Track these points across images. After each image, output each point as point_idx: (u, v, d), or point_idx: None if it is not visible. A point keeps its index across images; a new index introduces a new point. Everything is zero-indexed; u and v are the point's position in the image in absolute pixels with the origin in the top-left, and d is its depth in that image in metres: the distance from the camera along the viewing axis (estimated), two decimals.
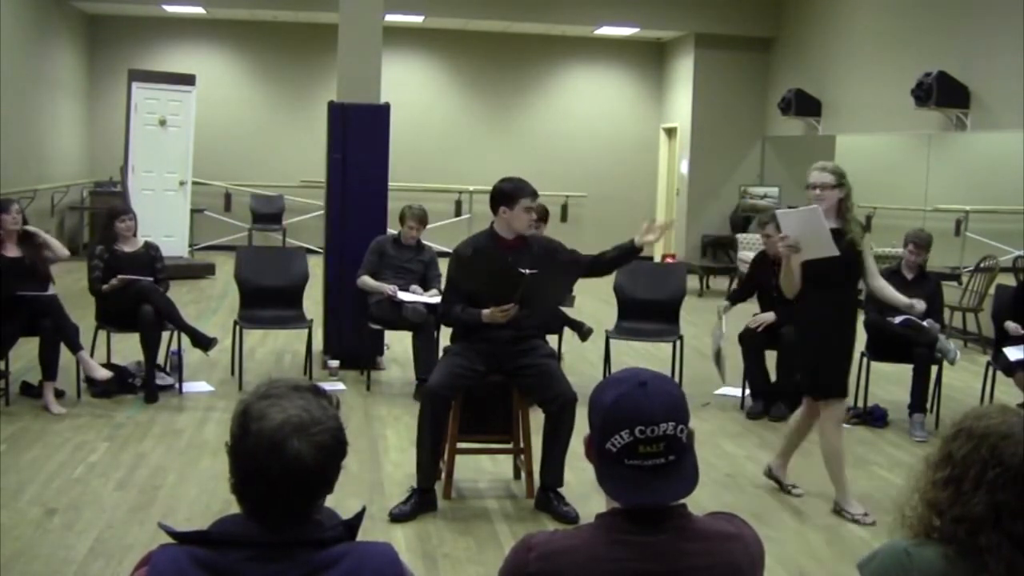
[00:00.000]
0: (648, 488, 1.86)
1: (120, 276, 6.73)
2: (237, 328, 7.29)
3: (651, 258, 13.25)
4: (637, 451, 1.85)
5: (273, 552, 1.70)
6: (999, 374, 6.68)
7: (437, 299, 6.55)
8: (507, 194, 4.98)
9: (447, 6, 14.18)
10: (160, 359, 7.02)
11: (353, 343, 7.63)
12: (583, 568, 1.84)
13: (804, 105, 13.12)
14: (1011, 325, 6.55)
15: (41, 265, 6.70)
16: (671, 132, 15.82)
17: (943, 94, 9.88)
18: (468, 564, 4.38)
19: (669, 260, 12.57)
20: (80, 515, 4.73)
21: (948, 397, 6.97)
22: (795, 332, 5.41)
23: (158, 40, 15.08)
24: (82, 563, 4.21)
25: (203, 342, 6.90)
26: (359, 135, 7.81)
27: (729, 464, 5.91)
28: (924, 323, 6.45)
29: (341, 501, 2.07)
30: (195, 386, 7.14)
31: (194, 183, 13.27)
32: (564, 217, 15.41)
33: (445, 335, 6.06)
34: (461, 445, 5.16)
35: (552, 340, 6.66)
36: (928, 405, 6.68)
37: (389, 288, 7.14)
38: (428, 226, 7.57)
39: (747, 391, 7.07)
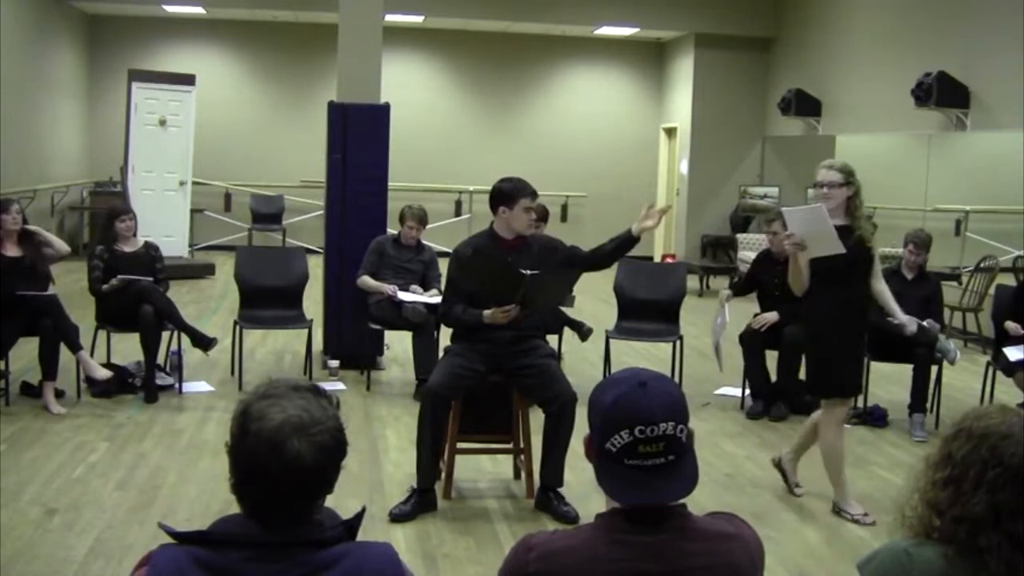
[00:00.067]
0: (648, 488, 1.86)
1: (120, 276, 6.73)
2: (237, 328, 7.29)
3: (651, 258, 13.28)
4: (637, 451, 1.85)
5: (273, 552, 1.70)
6: (999, 374, 6.68)
7: (437, 299, 6.55)
8: (506, 194, 4.97)
9: (447, 6, 14.18)
10: (160, 359, 7.02)
11: (353, 343, 7.63)
12: (583, 568, 1.84)
13: (804, 105, 13.12)
14: (1011, 325, 6.55)
15: (41, 265, 6.70)
16: (671, 132, 15.82)
17: (943, 94, 9.88)
18: (468, 564, 4.38)
19: (669, 260, 12.56)
20: (80, 515, 4.73)
21: (948, 397, 6.97)
22: (804, 330, 5.33)
23: (158, 40, 15.08)
24: (82, 563, 4.20)
25: (203, 342, 6.90)
26: (359, 135, 7.81)
27: (729, 464, 5.91)
28: (924, 323, 6.45)
29: (341, 501, 2.07)
30: (195, 386, 7.14)
31: (194, 183, 13.28)
32: (564, 217, 15.42)
33: (445, 335, 6.06)
34: (461, 445, 5.16)
35: (552, 340, 6.66)
36: (928, 405, 6.68)
37: (389, 288, 7.14)
38: (428, 226, 7.57)
39: (747, 391, 7.07)
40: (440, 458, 5.08)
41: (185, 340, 6.95)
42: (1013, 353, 6.36)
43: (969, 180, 12.09)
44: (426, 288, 7.24)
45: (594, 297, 10.00)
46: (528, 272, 4.75)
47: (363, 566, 1.73)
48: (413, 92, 15.03)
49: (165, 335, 6.99)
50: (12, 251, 6.58)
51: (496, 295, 4.87)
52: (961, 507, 1.91)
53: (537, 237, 5.29)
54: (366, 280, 7.27)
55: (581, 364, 7.95)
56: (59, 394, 6.57)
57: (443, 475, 5.11)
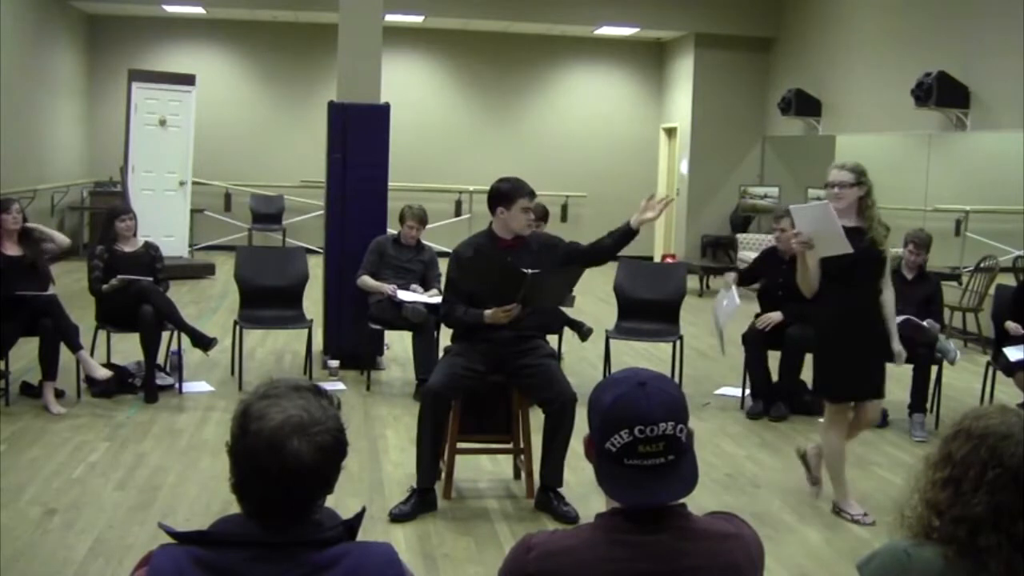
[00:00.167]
0: (648, 488, 1.86)
1: (120, 276, 6.74)
2: (237, 328, 7.29)
3: (651, 258, 13.29)
4: (637, 451, 1.85)
5: (273, 552, 1.70)
6: (999, 374, 6.67)
7: (437, 299, 6.55)
8: (504, 194, 4.97)
9: (447, 6, 14.18)
10: (160, 359, 7.02)
11: (353, 343, 7.63)
12: (583, 568, 1.84)
13: (804, 105, 13.12)
14: (1011, 325, 6.55)
15: (42, 264, 6.71)
16: (671, 132, 15.82)
17: (943, 94, 9.88)
18: (468, 564, 4.38)
19: (669, 260, 12.56)
20: (80, 515, 4.73)
21: (948, 397, 6.97)
22: (814, 332, 5.23)
23: (158, 40, 15.08)
24: (82, 563, 4.20)
25: (203, 342, 6.91)
26: (359, 135, 7.81)
27: (729, 464, 5.91)
28: (924, 323, 6.46)
29: (341, 501, 2.07)
30: (195, 386, 7.14)
31: (194, 183, 13.28)
32: (564, 217, 15.42)
33: (445, 335, 6.06)
34: (461, 445, 5.16)
35: (552, 340, 6.65)
36: (928, 405, 6.68)
37: (389, 288, 7.14)
38: (428, 226, 7.57)
39: (747, 391, 7.07)
40: (440, 458, 5.08)
41: (185, 340, 6.95)
42: (1013, 353, 6.36)
43: (969, 180, 12.10)
44: (426, 288, 7.25)
45: (594, 297, 10.00)
46: (529, 271, 4.75)
47: (363, 566, 1.73)
48: (413, 92, 15.03)
49: (165, 335, 6.99)
50: (12, 250, 6.59)
51: (497, 294, 4.86)
52: (961, 507, 1.91)
53: (536, 235, 5.29)
54: (366, 280, 7.27)
55: (581, 364, 7.95)
56: (59, 394, 6.57)
57: (443, 475, 5.11)
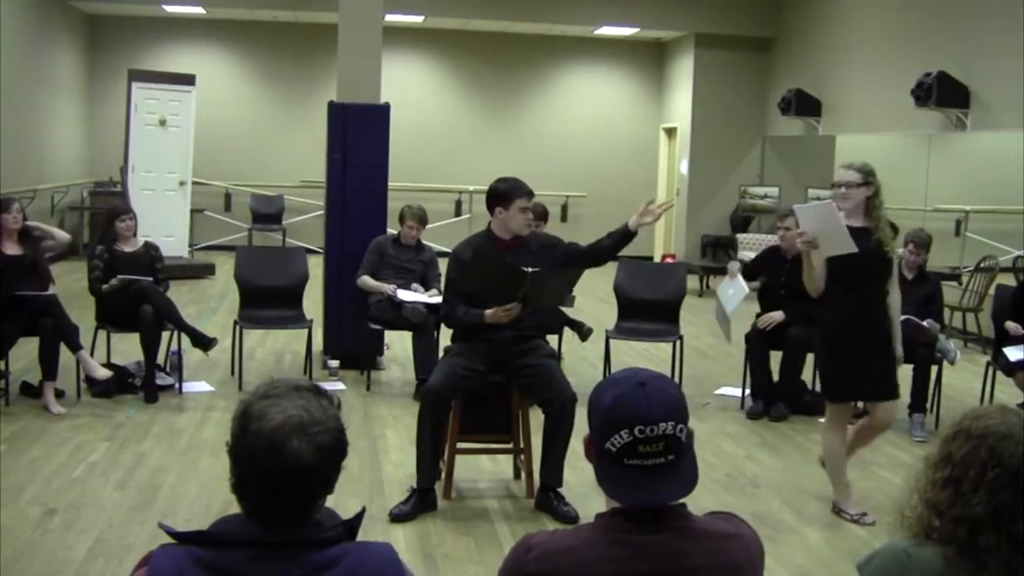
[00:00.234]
0: (648, 488, 1.86)
1: (120, 276, 6.74)
2: (237, 328, 7.29)
3: (651, 258, 13.29)
4: (637, 451, 1.85)
5: (273, 552, 1.70)
6: (999, 374, 6.67)
7: (437, 299, 6.55)
8: (502, 194, 4.97)
9: (447, 6, 14.18)
10: (160, 359, 7.02)
11: (353, 343, 7.63)
12: (582, 568, 1.84)
13: (804, 105, 13.12)
14: (1011, 325, 6.54)
15: (42, 263, 6.71)
16: (671, 132, 15.82)
17: (943, 94, 9.88)
18: (468, 564, 4.38)
19: (669, 260, 12.57)
20: (80, 515, 4.73)
21: (948, 397, 6.97)
22: (818, 331, 5.17)
23: (158, 40, 15.08)
24: (82, 563, 4.20)
25: (203, 342, 6.91)
26: (359, 135, 7.81)
27: (729, 464, 5.91)
28: (924, 323, 6.46)
29: (341, 501, 2.08)
30: (195, 386, 7.14)
31: (194, 183, 13.28)
32: (564, 217, 15.42)
33: (445, 335, 6.06)
34: (461, 445, 5.16)
35: (552, 340, 6.65)
36: (928, 405, 6.68)
37: (389, 288, 7.14)
38: (428, 226, 7.57)
39: (747, 391, 7.07)
40: (440, 458, 5.08)
41: (185, 340, 6.95)
42: (1013, 353, 6.36)
43: (969, 180, 12.10)
44: (426, 288, 7.25)
45: (594, 297, 10.00)
46: (530, 270, 4.75)
47: (363, 566, 1.73)
48: (413, 92, 15.03)
49: (165, 335, 6.99)
50: (12, 250, 6.58)
51: (497, 294, 4.86)
52: (961, 507, 1.91)
53: (535, 235, 5.29)
54: (366, 280, 7.28)
55: (581, 364, 7.95)
56: (59, 394, 6.57)
57: (443, 475, 5.11)
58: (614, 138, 16.05)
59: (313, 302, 8.30)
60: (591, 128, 15.98)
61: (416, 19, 14.52)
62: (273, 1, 13.93)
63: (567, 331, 7.44)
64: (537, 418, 5.12)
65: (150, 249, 7.14)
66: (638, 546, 1.85)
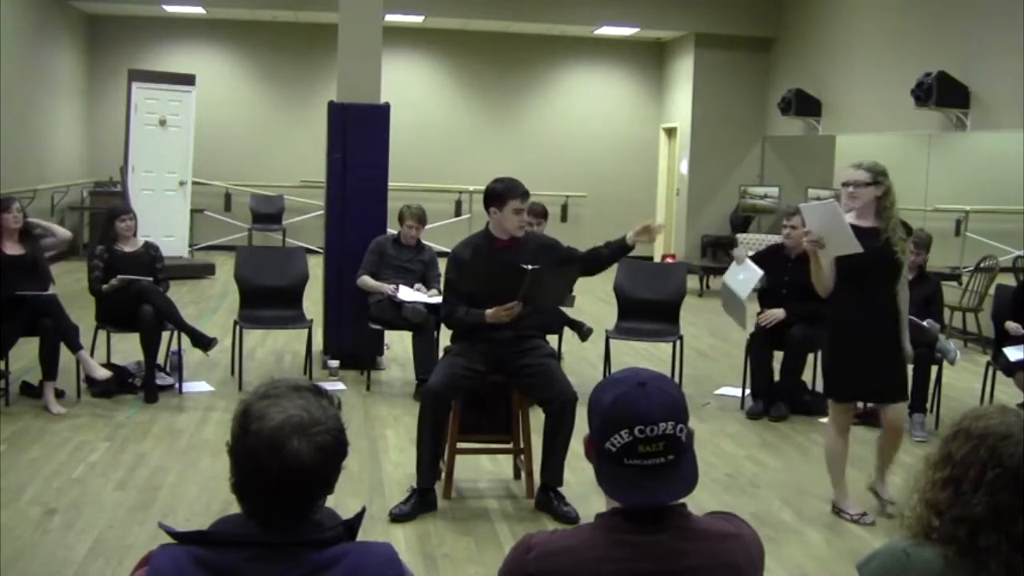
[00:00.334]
0: (648, 488, 1.86)
1: (120, 276, 6.74)
2: (237, 328, 7.29)
3: (651, 258, 13.28)
4: (637, 451, 1.85)
5: (273, 552, 1.71)
6: (999, 374, 6.67)
7: (437, 299, 6.55)
8: (497, 194, 4.97)
9: (447, 6, 14.18)
10: (160, 359, 7.02)
11: (353, 343, 7.63)
12: (583, 568, 1.84)
13: (804, 105, 13.12)
14: (1011, 325, 6.54)
15: (42, 263, 6.71)
16: (671, 132, 15.82)
17: (943, 94, 9.88)
18: (468, 564, 4.38)
19: (669, 260, 12.56)
20: (80, 515, 4.73)
21: (948, 397, 6.96)
22: (825, 330, 5.10)
23: (158, 40, 15.08)
24: (82, 563, 4.21)
25: (203, 342, 6.91)
26: (359, 135, 7.81)
27: (729, 464, 5.91)
28: (924, 323, 6.45)
29: (341, 501, 2.08)
30: (195, 386, 7.14)
31: (194, 183, 13.28)
32: (564, 217, 15.42)
33: (445, 335, 6.06)
34: (461, 445, 5.16)
35: (552, 340, 6.65)
36: (928, 405, 6.67)
37: (389, 288, 7.14)
38: (428, 226, 7.57)
39: (747, 391, 7.06)
40: (440, 458, 5.08)
41: (185, 340, 6.95)
42: (1013, 353, 6.36)
43: (969, 180, 12.09)
44: (427, 288, 7.25)
45: (594, 297, 10.00)
46: (530, 267, 4.75)
47: (363, 566, 1.73)
48: (413, 92, 15.03)
49: (165, 335, 6.99)
50: (13, 249, 6.59)
51: (498, 293, 4.86)
52: (960, 507, 1.91)
53: (534, 236, 5.29)
54: (366, 280, 7.28)
55: (581, 364, 7.95)
56: (59, 394, 6.57)
57: (443, 475, 5.11)
58: (614, 138, 16.05)
59: (313, 302, 8.30)
60: (591, 128, 15.98)
61: (416, 19, 14.52)
62: (273, 1, 13.93)
63: (567, 331, 7.44)
64: (537, 418, 5.12)
65: (150, 249, 7.14)
66: (638, 546, 1.85)
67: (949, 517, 1.92)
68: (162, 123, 12.67)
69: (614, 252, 5.11)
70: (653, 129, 16.15)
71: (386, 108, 7.95)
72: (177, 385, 7.01)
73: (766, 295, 7.04)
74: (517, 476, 5.42)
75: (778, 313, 6.82)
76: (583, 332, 7.34)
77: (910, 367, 6.58)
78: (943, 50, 10.33)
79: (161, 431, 6.15)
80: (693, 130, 14.67)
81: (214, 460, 5.53)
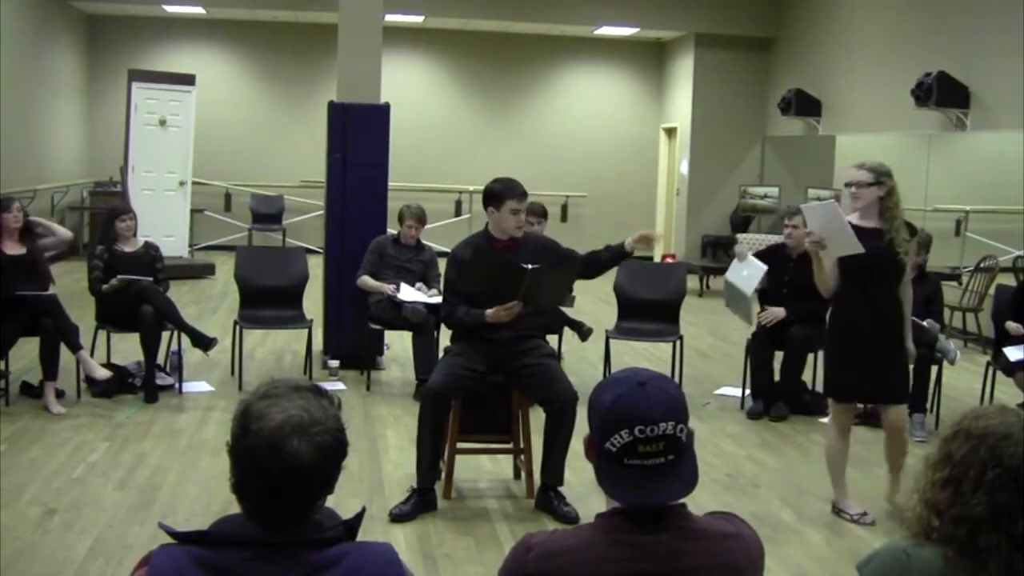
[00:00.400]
0: (648, 488, 1.86)
1: (120, 276, 6.74)
2: (237, 328, 7.29)
3: (651, 258, 13.27)
4: (637, 451, 1.85)
5: (273, 552, 1.71)
6: (999, 374, 6.67)
7: (437, 299, 6.55)
8: (495, 195, 4.98)
9: (447, 6, 14.18)
10: (160, 359, 7.02)
11: (353, 343, 7.63)
12: (583, 568, 1.84)
13: (804, 105, 13.12)
14: (1011, 325, 6.54)
15: (42, 263, 6.71)
16: (671, 132, 15.82)
17: (943, 94, 9.88)
18: (468, 564, 4.38)
19: (669, 260, 12.55)
20: (80, 515, 4.73)
21: (948, 397, 6.96)
22: (827, 329, 5.05)
23: (158, 40, 15.08)
24: (82, 563, 4.21)
25: (203, 342, 6.91)
26: (359, 135, 7.81)
27: (729, 464, 5.91)
28: (924, 323, 6.45)
29: (341, 501, 2.08)
30: (195, 386, 7.14)
31: (194, 183, 13.27)
32: (564, 217, 15.42)
33: (445, 335, 6.06)
34: (461, 445, 5.16)
35: (552, 340, 6.66)
36: (928, 405, 6.67)
37: (389, 287, 7.14)
38: (428, 226, 7.57)
39: (747, 391, 7.06)
40: (440, 458, 5.08)
41: (185, 340, 6.95)
42: (1013, 353, 6.36)
43: (969, 180, 12.09)
44: (427, 287, 7.25)
45: (594, 297, 10.00)
46: (530, 266, 4.76)
47: (363, 566, 1.73)
48: (413, 92, 15.03)
49: (165, 335, 6.99)
50: (13, 249, 6.59)
51: (498, 293, 4.87)
52: (960, 507, 1.91)
53: (533, 237, 5.29)
54: (366, 280, 7.28)
55: (581, 364, 7.95)
56: (59, 394, 6.57)
57: (443, 475, 5.11)
58: (614, 138, 16.04)
59: (313, 302, 8.30)
60: (591, 128, 15.98)
61: (416, 19, 14.52)
62: (273, 1, 13.93)
63: (567, 331, 7.44)
64: (537, 418, 5.12)
65: (150, 249, 7.14)
66: (638, 546, 1.85)
67: (949, 517, 1.92)
68: (162, 123, 12.67)
69: (613, 257, 5.14)
70: (653, 129, 16.15)
71: (386, 108, 7.95)
72: (177, 385, 7.01)
73: (767, 294, 7.03)
74: (517, 476, 5.42)
75: (779, 312, 6.81)
76: (583, 332, 7.34)
77: (910, 367, 6.62)
78: (943, 50, 10.33)
79: (161, 431, 6.15)
80: (693, 130, 14.67)
81: (214, 460, 5.53)
